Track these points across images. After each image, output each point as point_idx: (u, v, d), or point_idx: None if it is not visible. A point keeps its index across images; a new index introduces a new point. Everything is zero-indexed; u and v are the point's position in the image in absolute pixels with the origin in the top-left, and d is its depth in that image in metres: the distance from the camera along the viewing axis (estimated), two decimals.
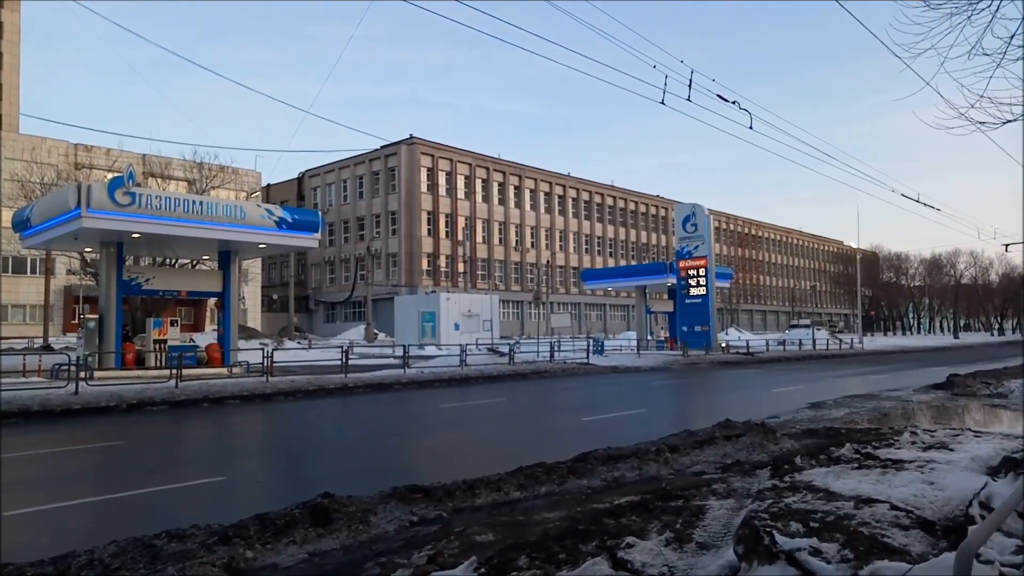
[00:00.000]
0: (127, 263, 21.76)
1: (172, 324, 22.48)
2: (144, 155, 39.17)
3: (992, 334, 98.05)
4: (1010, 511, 3.53)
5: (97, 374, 17.47)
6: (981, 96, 7.08)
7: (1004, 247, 61.15)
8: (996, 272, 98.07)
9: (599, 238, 76.54)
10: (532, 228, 69.34)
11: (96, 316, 20.40)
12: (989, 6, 6.53)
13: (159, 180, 37.50)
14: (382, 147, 56.69)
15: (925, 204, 29.24)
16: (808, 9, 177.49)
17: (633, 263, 72.15)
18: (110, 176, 24.95)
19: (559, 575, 4.24)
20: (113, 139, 73.10)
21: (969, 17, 6.63)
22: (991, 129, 7.55)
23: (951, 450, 8.21)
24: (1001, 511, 2.65)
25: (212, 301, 26.67)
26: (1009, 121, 7.27)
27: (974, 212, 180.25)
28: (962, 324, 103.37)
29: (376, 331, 48.94)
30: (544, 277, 66.15)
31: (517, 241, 67.66)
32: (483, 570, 4.21)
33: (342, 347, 25.54)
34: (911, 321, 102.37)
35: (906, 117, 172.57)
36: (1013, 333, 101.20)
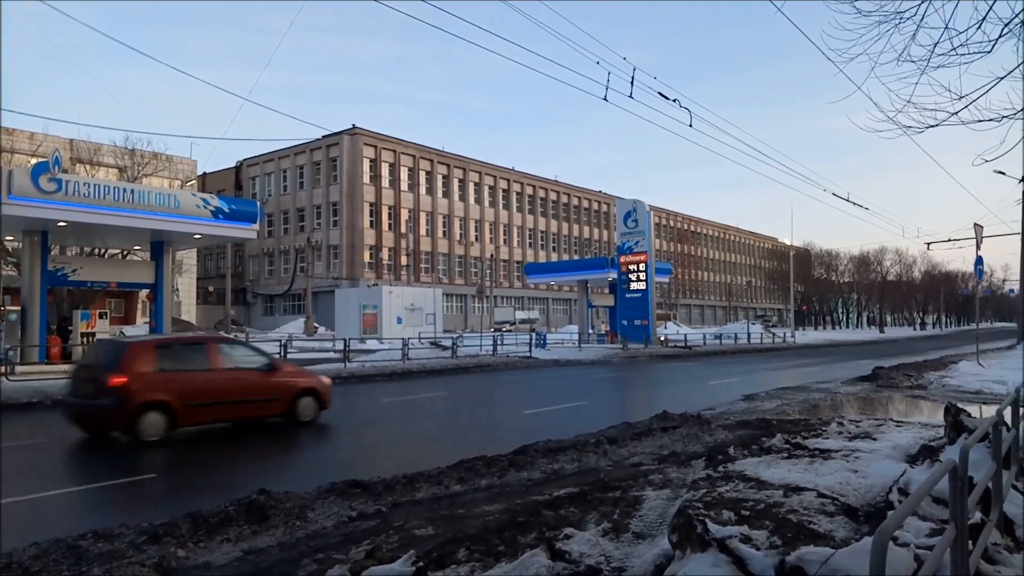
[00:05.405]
0: (52, 252, 20.87)
1: (101, 317, 21.77)
2: (72, 140, 37.45)
3: (915, 328, 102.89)
4: (924, 496, 3.72)
5: (19, 369, 16.73)
6: (908, 102, 7.44)
7: (926, 245, 64.13)
8: (919, 269, 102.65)
9: (542, 232, 76.91)
10: (476, 221, 69.22)
11: (18, 308, 19.50)
12: (914, 15, 6.83)
13: (88, 167, 35.89)
14: (324, 137, 55.54)
15: (854, 203, 30.37)
16: (747, 11, 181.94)
17: (575, 257, 72.84)
18: (34, 161, 23.86)
19: (497, 567, 4.27)
20: (37, 122, 69.57)
21: (897, 25, 6.93)
22: (916, 133, 7.92)
23: (874, 439, 8.61)
24: (915, 496, 2.79)
25: (144, 293, 25.80)
26: (931, 126, 7.65)
27: (900, 212, 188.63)
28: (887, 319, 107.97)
29: (316, 324, 48.11)
30: (488, 271, 66.15)
31: (461, 234, 67.42)
32: (421, 563, 4.20)
33: (281, 341, 25.06)
34: (840, 316, 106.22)
35: (839, 119, 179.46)
36: (934, 328, 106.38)
